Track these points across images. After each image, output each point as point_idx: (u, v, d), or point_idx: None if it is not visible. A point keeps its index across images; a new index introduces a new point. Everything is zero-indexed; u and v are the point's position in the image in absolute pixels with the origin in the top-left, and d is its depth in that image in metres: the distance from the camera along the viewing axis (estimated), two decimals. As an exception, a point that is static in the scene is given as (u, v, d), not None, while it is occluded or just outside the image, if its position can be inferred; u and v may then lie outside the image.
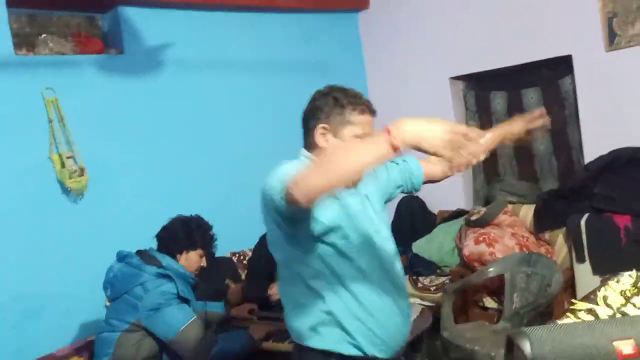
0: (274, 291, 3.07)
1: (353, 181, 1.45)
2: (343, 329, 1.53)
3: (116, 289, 2.28)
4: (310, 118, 1.61)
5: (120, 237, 2.89)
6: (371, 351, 1.54)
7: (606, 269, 2.91)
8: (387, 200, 1.78)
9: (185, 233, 2.38)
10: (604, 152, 3.25)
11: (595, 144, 3.36)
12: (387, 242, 1.64)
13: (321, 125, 1.57)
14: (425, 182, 1.84)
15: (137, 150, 3.11)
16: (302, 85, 3.96)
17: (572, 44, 3.42)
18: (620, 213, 3.08)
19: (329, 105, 1.58)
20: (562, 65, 3.55)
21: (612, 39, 3.24)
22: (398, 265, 1.67)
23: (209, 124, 3.47)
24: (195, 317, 2.23)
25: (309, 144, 1.63)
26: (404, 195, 1.80)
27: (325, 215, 1.48)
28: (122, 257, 2.35)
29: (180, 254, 2.38)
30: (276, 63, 3.88)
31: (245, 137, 3.67)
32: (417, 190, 1.83)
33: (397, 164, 1.79)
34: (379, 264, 1.59)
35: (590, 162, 3.33)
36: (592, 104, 3.40)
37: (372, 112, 1.61)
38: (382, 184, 1.74)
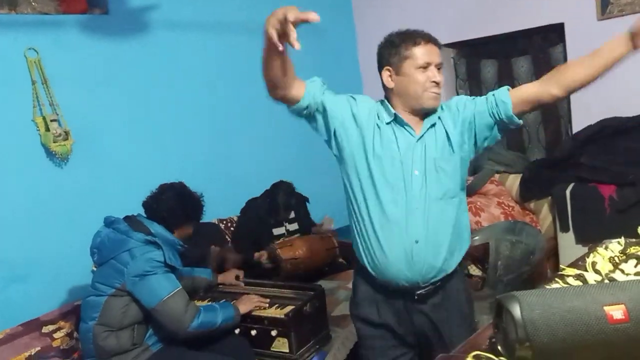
0: (264, 257, 3.08)
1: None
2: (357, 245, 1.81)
3: (103, 254, 2.27)
4: (378, 68, 1.79)
5: (106, 201, 2.87)
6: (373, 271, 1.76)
7: (589, 238, 2.95)
8: (486, 140, 1.75)
9: (182, 209, 2.39)
10: (593, 122, 3.26)
11: (584, 114, 3.36)
12: (417, 184, 1.68)
13: (385, 68, 1.75)
14: (524, 112, 1.70)
15: (123, 114, 3.05)
16: (293, 51, 3.92)
17: (565, 12, 3.38)
18: (605, 183, 3.11)
19: (386, 48, 1.74)
20: (554, 34, 3.52)
21: (605, 8, 3.21)
22: (429, 207, 1.68)
23: (196, 86, 3.41)
24: (180, 287, 2.22)
25: (384, 90, 1.80)
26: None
27: None
28: (109, 223, 2.32)
29: (177, 228, 2.38)
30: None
31: (234, 100, 3.62)
32: (513, 122, 1.69)
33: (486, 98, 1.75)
34: (391, 194, 1.68)
35: (578, 132, 3.33)
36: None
37: (428, 40, 1.69)
38: (463, 123, 1.73)
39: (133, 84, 3.10)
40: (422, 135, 1.73)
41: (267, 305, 2.51)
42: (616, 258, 1.25)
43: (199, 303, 2.50)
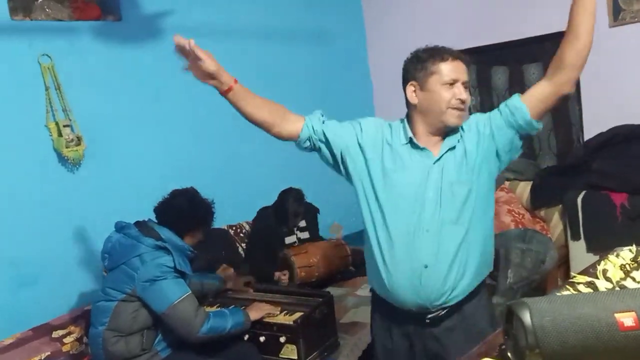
0: (285, 277, 3.07)
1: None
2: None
3: (114, 259, 2.28)
4: (403, 83, 1.74)
5: (117, 206, 2.89)
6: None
7: (601, 246, 2.92)
8: (509, 153, 1.69)
9: (194, 216, 2.40)
10: (604, 129, 3.24)
11: (596, 120, 3.34)
12: (430, 207, 1.64)
13: (410, 83, 1.70)
14: (543, 112, 1.64)
15: (135, 120, 3.08)
16: (303, 53, 3.95)
17: (576, 19, 3.37)
18: (617, 191, 3.08)
19: (412, 63, 1.70)
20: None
21: (617, 14, 3.20)
22: (442, 231, 1.63)
23: (208, 92, 3.42)
24: (189, 292, 2.23)
25: (407, 106, 1.75)
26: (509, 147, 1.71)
27: None
28: (120, 228, 2.34)
29: (187, 234, 2.39)
30: (278, 30, 3.84)
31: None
32: (533, 127, 1.64)
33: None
34: (402, 218, 1.64)
35: (590, 139, 3.32)
36: (594, 80, 3.37)
37: (456, 57, 1.65)
38: (484, 143, 1.68)
39: (145, 90, 3.13)
40: (440, 158, 1.67)
41: (278, 311, 2.51)
42: (627, 266, 1.24)
43: (208, 309, 2.50)
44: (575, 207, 3.18)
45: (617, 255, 1.31)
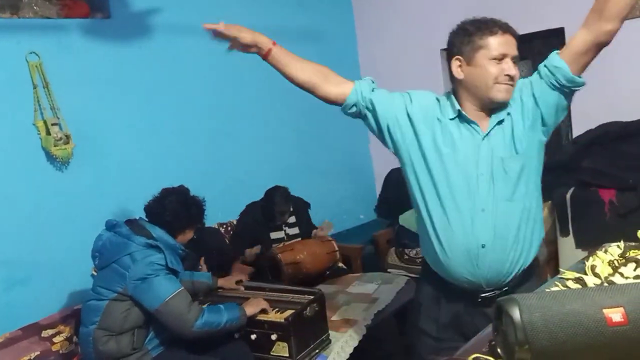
0: (254, 252, 3.12)
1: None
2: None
3: (104, 257, 2.27)
4: (447, 57, 1.67)
5: (107, 205, 2.88)
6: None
7: (590, 242, 2.95)
8: (557, 115, 1.66)
9: (186, 214, 2.40)
10: (593, 126, 3.27)
11: (585, 118, 3.36)
12: (484, 185, 1.60)
13: (455, 57, 1.62)
14: (585, 64, 1.63)
15: (124, 118, 3.06)
16: (294, 52, 3.94)
17: (565, 17, 3.39)
18: (605, 187, 3.11)
19: (459, 36, 1.63)
20: (555, 39, 3.53)
21: (605, 12, 3.23)
22: (498, 210, 1.59)
23: (197, 91, 3.43)
24: (182, 288, 2.23)
25: (451, 81, 1.68)
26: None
27: None
28: (111, 226, 2.33)
29: (179, 233, 2.40)
30: (268, 28, 3.81)
31: (235, 103, 3.64)
32: (576, 83, 1.61)
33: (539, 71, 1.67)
34: (456, 196, 1.60)
35: (579, 136, 3.34)
36: (583, 77, 3.39)
37: (506, 30, 1.58)
38: (529, 112, 1.64)
39: (134, 88, 3.11)
40: (489, 133, 1.61)
41: (273, 308, 2.52)
42: (615, 262, 1.25)
43: (199, 307, 2.50)
44: (564, 204, 3.21)
45: (606, 251, 1.33)
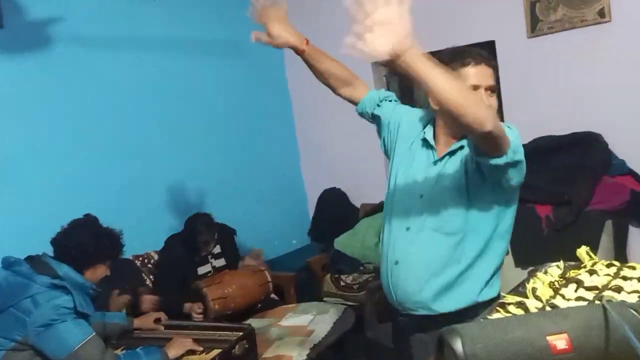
0: (196, 309, 2.99)
1: None
2: None
3: (0, 301, 2.12)
4: None
5: (5, 240, 2.71)
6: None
7: (529, 260, 3.04)
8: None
9: (96, 248, 2.29)
10: (526, 141, 3.41)
11: (521, 127, 3.50)
12: (418, 208, 1.70)
13: None
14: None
15: (24, 139, 2.92)
16: (216, 65, 3.92)
17: (495, 30, 3.56)
18: (541, 203, 3.24)
19: None
20: (485, 52, 3.68)
21: (535, 25, 3.40)
22: (421, 235, 1.68)
23: (106, 105, 3.32)
24: (93, 334, 2.13)
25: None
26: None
27: None
28: (8, 264, 2.19)
29: (88, 269, 2.28)
30: (187, 40, 3.79)
31: (151, 121, 3.56)
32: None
33: None
34: (394, 212, 1.77)
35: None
36: (515, 91, 3.56)
37: (480, 61, 1.64)
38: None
39: (34, 105, 2.97)
40: (440, 160, 1.70)
41: (202, 348, 2.43)
42: (556, 283, 1.28)
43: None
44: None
45: (546, 272, 1.36)
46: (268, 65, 4.40)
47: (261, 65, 4.29)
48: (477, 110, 1.31)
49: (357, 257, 3.82)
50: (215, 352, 2.38)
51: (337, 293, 3.67)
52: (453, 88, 1.28)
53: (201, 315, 3.00)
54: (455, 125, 1.59)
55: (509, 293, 1.31)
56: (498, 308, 1.21)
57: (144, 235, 3.31)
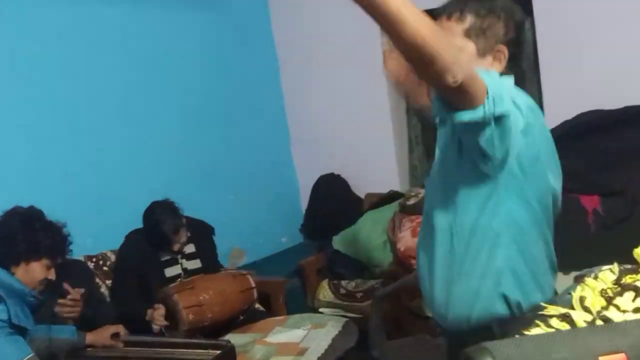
0: (160, 314, 2.98)
1: None
2: None
3: None
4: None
5: None
6: None
7: (573, 263, 3.03)
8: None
9: (24, 236, 2.30)
10: (570, 116, 3.39)
11: (559, 105, 3.48)
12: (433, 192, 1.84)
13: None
14: None
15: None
16: (189, 21, 3.90)
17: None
18: (587, 193, 3.23)
19: None
20: (519, 5, 3.66)
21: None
22: (440, 221, 1.76)
23: (49, 70, 3.32)
24: (31, 355, 2.15)
25: None
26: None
27: None
28: None
29: (17, 264, 2.29)
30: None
31: (106, 90, 3.56)
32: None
33: None
34: (425, 216, 1.85)
35: (552, 129, 3.44)
36: (556, 54, 3.53)
37: (444, 13, 1.71)
38: None
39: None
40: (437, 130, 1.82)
41: None
42: (609, 290, 1.27)
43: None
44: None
45: (596, 278, 1.34)
46: (251, 20, 4.37)
47: (242, 21, 4.26)
48: (447, 53, 1.30)
49: (360, 259, 3.82)
50: (186, 375, 2.39)
51: (336, 302, 3.67)
52: (425, 27, 1.26)
53: (164, 322, 2.98)
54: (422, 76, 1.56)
55: (552, 303, 1.30)
56: (538, 322, 1.20)
57: (99, 234, 3.33)
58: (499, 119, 1.46)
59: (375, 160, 4.23)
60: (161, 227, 3.11)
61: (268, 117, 4.56)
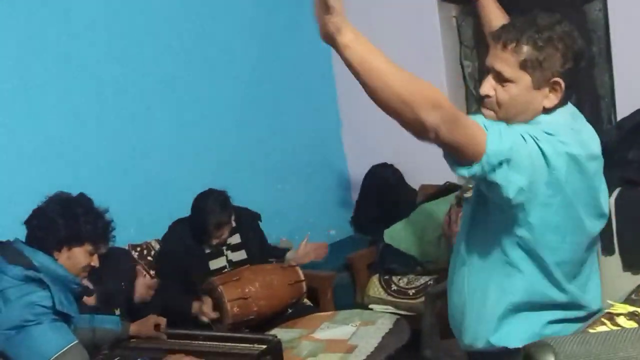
0: (208, 310, 3.03)
1: None
2: None
3: (-37, 298, 2.20)
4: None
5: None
6: None
7: (640, 262, 3.00)
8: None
9: (65, 221, 2.31)
10: (643, 106, 3.32)
11: (633, 92, 3.42)
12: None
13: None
14: None
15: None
16: (237, 3, 3.92)
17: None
18: (662, 187, 3.17)
19: None
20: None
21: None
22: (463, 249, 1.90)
23: (95, 54, 3.39)
24: (75, 342, 2.18)
25: None
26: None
27: None
28: (-27, 253, 2.26)
29: (59, 250, 2.31)
30: None
31: (151, 75, 3.61)
32: None
33: None
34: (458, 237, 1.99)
35: (624, 119, 3.39)
36: (630, 38, 3.45)
37: (499, 38, 1.73)
38: None
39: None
40: None
41: None
42: (681, 289, 1.26)
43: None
44: (607, 211, 3.24)
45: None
46: (303, 4, 4.38)
47: (294, 4, 4.27)
48: (420, 106, 1.42)
49: (413, 254, 3.81)
50: (231, 370, 2.43)
51: (386, 299, 3.68)
52: (401, 78, 1.40)
53: (213, 315, 3.03)
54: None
55: (618, 301, 1.30)
56: (604, 320, 1.19)
57: (143, 222, 3.38)
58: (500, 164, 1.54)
59: (431, 149, 4.16)
60: (206, 217, 3.15)
61: (319, 104, 4.56)
